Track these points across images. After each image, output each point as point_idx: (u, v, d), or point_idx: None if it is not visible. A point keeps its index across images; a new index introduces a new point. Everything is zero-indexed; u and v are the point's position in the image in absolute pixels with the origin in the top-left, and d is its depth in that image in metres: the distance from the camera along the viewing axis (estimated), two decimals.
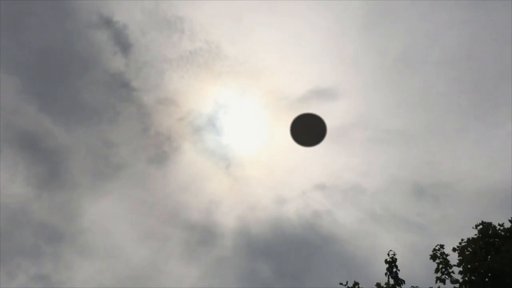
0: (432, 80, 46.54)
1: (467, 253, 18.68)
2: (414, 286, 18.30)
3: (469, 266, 18.32)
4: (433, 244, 19.56)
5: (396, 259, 18.37)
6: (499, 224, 18.56)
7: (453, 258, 18.91)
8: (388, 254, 18.45)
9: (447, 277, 18.64)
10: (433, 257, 19.16)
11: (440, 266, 18.88)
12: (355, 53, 47.09)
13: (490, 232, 18.54)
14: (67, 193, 43.82)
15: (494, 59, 41.71)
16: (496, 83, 40.78)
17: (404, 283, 18.09)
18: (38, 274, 38.57)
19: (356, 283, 17.92)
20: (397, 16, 45.83)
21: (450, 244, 19.31)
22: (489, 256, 18.12)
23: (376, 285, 18.09)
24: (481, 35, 43.49)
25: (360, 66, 47.51)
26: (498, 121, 39.15)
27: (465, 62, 45.91)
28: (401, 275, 18.24)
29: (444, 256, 19.08)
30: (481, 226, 18.86)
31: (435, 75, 46.46)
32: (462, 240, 19.06)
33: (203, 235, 42.84)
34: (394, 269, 18.21)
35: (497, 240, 18.39)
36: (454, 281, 18.52)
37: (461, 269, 18.54)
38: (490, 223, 18.76)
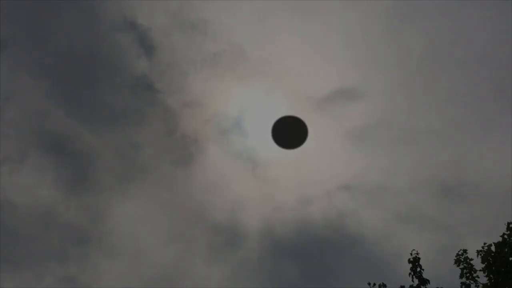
0: (457, 78, 45.92)
1: (491, 257, 18.18)
2: (440, 287, 18.12)
3: (493, 268, 17.89)
4: (460, 244, 19.22)
5: (419, 258, 18.11)
6: None
7: (478, 262, 18.51)
8: (411, 254, 18.22)
9: (472, 282, 18.24)
10: (457, 261, 18.76)
11: (465, 271, 18.50)
12: (378, 52, 46.79)
13: None
14: (94, 195, 44.50)
15: None
16: None
17: (429, 283, 17.89)
18: (65, 276, 39.20)
19: (383, 285, 17.81)
20: (421, 15, 45.39)
21: (478, 244, 18.92)
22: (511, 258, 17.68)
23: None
24: (507, 33, 42.68)
25: (384, 66, 47.19)
26: None
27: (490, 60, 45.20)
28: (427, 275, 17.89)
29: (468, 260, 18.69)
30: (507, 227, 18.36)
31: (460, 73, 45.82)
32: (484, 244, 18.58)
33: (228, 236, 43.02)
34: (418, 269, 18.02)
35: None
36: (481, 286, 18.10)
37: (486, 276, 18.06)
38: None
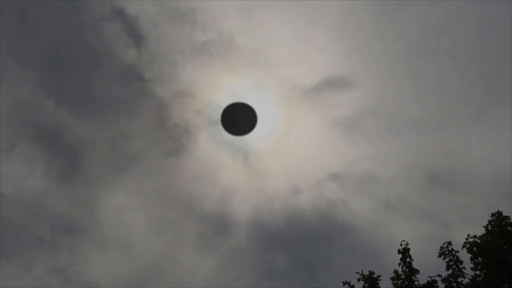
0: (446, 67, 46.18)
1: (478, 246, 18.35)
2: (431, 275, 18.25)
3: (479, 259, 18.07)
4: (449, 233, 19.30)
5: (409, 248, 18.12)
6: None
7: (463, 253, 18.59)
8: (401, 245, 18.21)
9: (459, 273, 18.32)
10: (442, 254, 18.84)
11: (451, 263, 18.61)
12: (368, 41, 46.82)
13: (503, 223, 18.30)
14: (84, 185, 44.26)
15: (508, 45, 41.21)
16: (511, 69, 40.29)
17: (419, 273, 18.01)
18: (54, 266, 39.18)
19: (372, 273, 17.91)
20: (411, 3, 45.37)
21: (466, 233, 19.08)
22: (499, 249, 17.84)
23: (394, 272, 18.05)
24: (496, 21, 42.96)
25: (373, 55, 47.27)
26: None
27: (478, 49, 45.45)
28: (417, 264, 17.86)
29: (453, 253, 18.82)
30: (492, 217, 18.60)
31: (449, 62, 46.07)
32: (468, 235, 18.75)
33: (218, 226, 43.16)
34: (408, 259, 18.13)
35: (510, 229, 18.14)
36: (471, 279, 18.20)
37: (472, 265, 18.20)
38: (501, 212, 18.55)
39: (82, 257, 39.98)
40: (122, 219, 43.13)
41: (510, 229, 18.16)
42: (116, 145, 46.14)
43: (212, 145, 45.66)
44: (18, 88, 44.75)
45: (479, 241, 18.32)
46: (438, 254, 18.75)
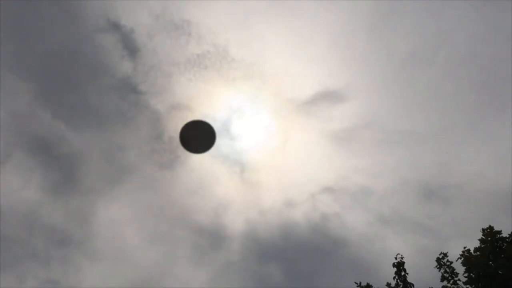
0: (440, 80, 46.38)
1: (472, 259, 18.40)
2: None
3: (472, 273, 18.11)
4: (443, 246, 19.43)
5: (403, 262, 18.29)
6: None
7: (459, 265, 18.68)
8: (396, 258, 18.39)
9: (454, 285, 18.36)
10: (438, 266, 18.87)
11: (446, 274, 18.63)
12: (363, 54, 47.01)
13: (496, 237, 18.37)
14: (79, 197, 44.12)
15: (502, 58, 41.49)
16: (505, 82, 40.52)
17: (413, 287, 18.01)
18: (47, 279, 38.90)
19: (369, 285, 17.94)
20: (405, 16, 45.78)
21: (460, 246, 19.14)
22: (490, 262, 17.88)
23: (386, 285, 18.07)
24: (489, 34, 43.35)
25: (369, 67, 47.44)
26: (508, 120, 38.87)
27: (473, 61, 45.71)
28: (410, 278, 18.09)
29: (448, 264, 18.83)
30: (483, 233, 18.70)
31: (444, 75, 46.30)
32: (464, 248, 18.82)
33: (213, 238, 43.00)
34: (403, 273, 18.14)
35: (504, 244, 18.20)
36: None
37: (466, 278, 18.26)
38: (492, 227, 18.65)
39: (75, 269, 39.75)
40: (116, 231, 42.98)
41: (502, 243, 18.20)
42: (111, 157, 46.07)
43: (208, 158, 45.62)
44: (15, 99, 44.70)
45: (473, 254, 18.40)
46: (435, 265, 18.90)
